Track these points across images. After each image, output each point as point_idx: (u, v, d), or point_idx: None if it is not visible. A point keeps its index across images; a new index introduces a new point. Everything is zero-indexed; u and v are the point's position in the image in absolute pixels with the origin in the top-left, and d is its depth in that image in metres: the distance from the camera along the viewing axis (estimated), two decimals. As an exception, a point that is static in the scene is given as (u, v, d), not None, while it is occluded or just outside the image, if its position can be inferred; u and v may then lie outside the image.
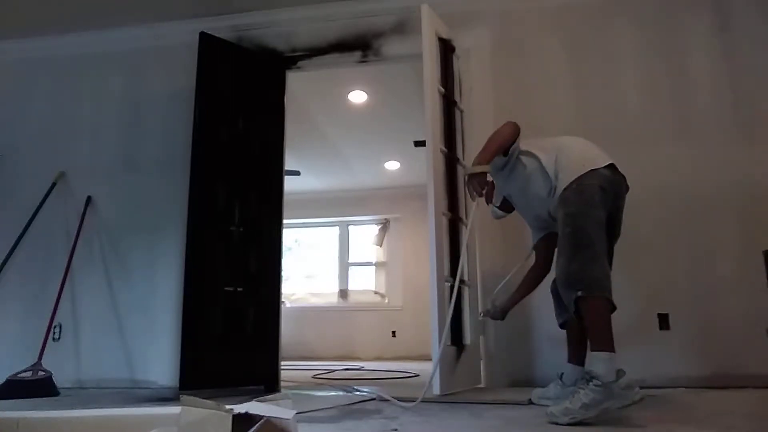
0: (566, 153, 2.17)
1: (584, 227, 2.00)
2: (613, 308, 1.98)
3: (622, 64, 3.28)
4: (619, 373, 1.83)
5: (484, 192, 2.32)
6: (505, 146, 2.26)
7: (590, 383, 1.80)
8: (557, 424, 1.80)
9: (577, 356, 2.26)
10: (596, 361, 1.84)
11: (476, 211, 2.56)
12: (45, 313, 3.33)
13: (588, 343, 1.96)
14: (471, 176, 2.28)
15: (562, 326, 2.36)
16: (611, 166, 2.12)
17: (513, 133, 2.26)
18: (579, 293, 1.93)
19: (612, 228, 2.16)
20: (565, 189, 2.09)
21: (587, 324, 1.97)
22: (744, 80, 3.13)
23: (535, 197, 2.27)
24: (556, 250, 2.18)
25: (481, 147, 2.29)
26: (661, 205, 3.06)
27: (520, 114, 3.10)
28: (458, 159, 3.15)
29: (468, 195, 2.35)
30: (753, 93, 3.11)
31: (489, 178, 2.37)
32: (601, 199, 2.04)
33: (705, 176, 3.05)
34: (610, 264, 2.22)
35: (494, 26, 3.47)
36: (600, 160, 2.12)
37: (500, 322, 2.71)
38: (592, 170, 2.08)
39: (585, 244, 1.98)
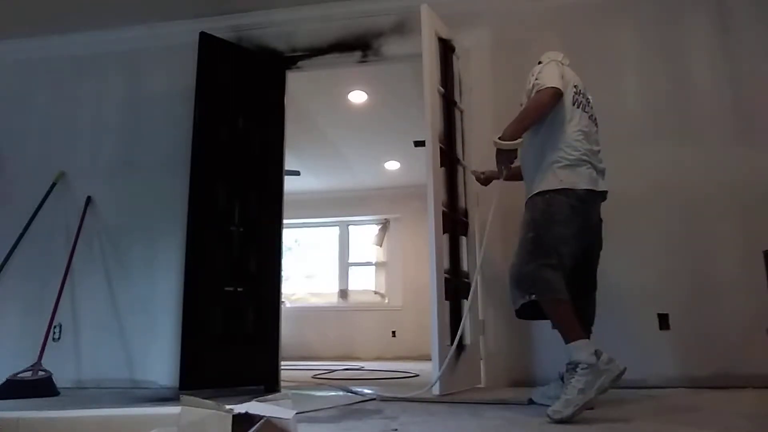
0: (555, 155, 2.15)
1: (546, 237, 2.08)
2: (570, 300, 2.03)
3: (622, 64, 3.28)
4: (597, 352, 1.91)
5: (512, 167, 2.28)
6: (540, 121, 2.19)
7: (577, 369, 1.89)
8: (561, 419, 1.81)
9: None
10: (575, 350, 1.93)
11: (498, 197, 2.51)
12: (45, 313, 3.33)
13: (562, 339, 2.04)
14: (501, 151, 2.22)
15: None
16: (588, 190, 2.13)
17: (551, 106, 2.15)
18: (532, 297, 2.04)
19: (589, 241, 2.20)
20: (536, 194, 2.16)
21: (554, 324, 2.09)
22: (744, 81, 3.13)
23: (527, 158, 2.29)
24: None
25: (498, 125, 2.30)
26: (661, 205, 3.06)
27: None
28: (458, 159, 3.15)
29: (490, 174, 2.38)
30: (753, 93, 3.11)
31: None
32: (568, 217, 2.09)
33: (705, 176, 3.05)
34: (594, 274, 2.29)
35: (494, 26, 3.47)
36: (579, 182, 2.12)
37: (500, 320, 2.72)
38: (566, 188, 2.10)
39: (544, 252, 2.06)
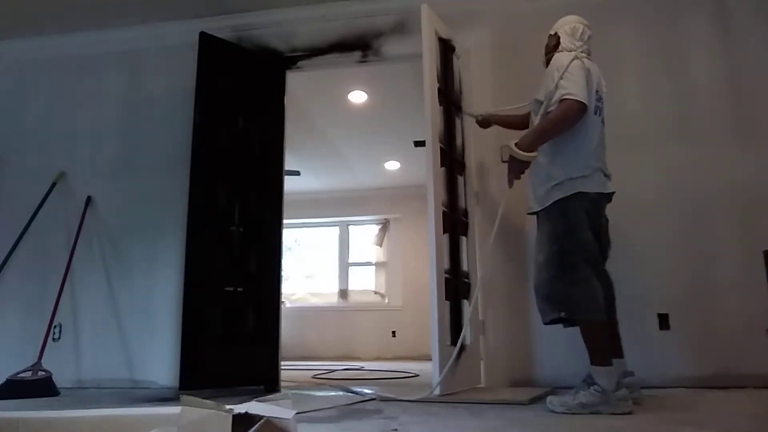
0: (571, 169, 2.17)
1: (570, 249, 2.13)
2: (603, 321, 2.10)
3: (622, 64, 3.27)
4: (619, 384, 2.02)
5: (521, 177, 2.28)
6: (561, 135, 2.16)
7: (591, 388, 2.00)
8: (553, 411, 2.02)
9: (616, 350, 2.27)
10: (598, 374, 2.01)
11: (503, 207, 2.53)
12: (45, 313, 3.33)
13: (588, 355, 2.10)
14: (516, 161, 2.17)
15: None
16: (598, 193, 2.20)
17: (577, 121, 2.12)
18: (562, 314, 2.12)
19: (600, 242, 2.25)
20: (552, 203, 2.18)
21: (583, 340, 2.12)
22: (744, 81, 3.13)
23: (540, 166, 2.28)
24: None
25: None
26: (661, 206, 3.06)
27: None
28: (458, 159, 3.15)
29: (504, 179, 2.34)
30: (753, 94, 3.10)
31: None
32: (585, 221, 2.15)
33: (705, 177, 3.05)
34: (603, 267, 2.31)
35: (494, 26, 3.46)
36: (590, 186, 2.17)
37: (500, 320, 2.73)
38: (580, 192, 2.15)
39: (571, 266, 2.11)
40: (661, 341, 2.91)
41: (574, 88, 2.10)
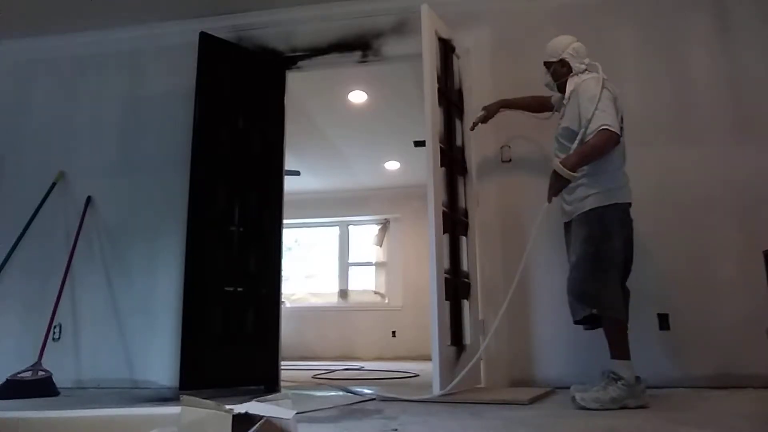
0: (608, 182, 2.36)
1: (605, 252, 2.29)
2: (626, 320, 2.27)
3: (622, 63, 3.27)
4: (639, 378, 2.17)
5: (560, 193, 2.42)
6: (598, 159, 2.33)
7: (618, 383, 2.13)
8: (585, 408, 2.09)
9: None
10: (621, 367, 2.17)
11: (545, 214, 2.54)
12: (45, 313, 3.33)
13: (609, 350, 2.25)
14: (560, 178, 2.31)
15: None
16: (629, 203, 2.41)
17: (612, 148, 2.32)
18: (594, 311, 2.25)
19: (630, 248, 2.43)
20: (590, 209, 2.33)
21: (606, 337, 2.27)
22: (744, 80, 3.13)
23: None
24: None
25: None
26: (661, 205, 3.05)
27: (520, 114, 3.11)
28: (458, 159, 3.15)
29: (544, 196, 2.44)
30: (753, 93, 3.10)
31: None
32: (618, 229, 2.33)
33: (705, 176, 3.05)
34: (627, 277, 2.46)
35: (494, 26, 3.46)
36: (624, 197, 2.39)
37: (500, 320, 2.72)
38: (616, 203, 2.34)
39: (604, 267, 2.28)
40: (661, 341, 2.91)
41: (609, 120, 2.29)
